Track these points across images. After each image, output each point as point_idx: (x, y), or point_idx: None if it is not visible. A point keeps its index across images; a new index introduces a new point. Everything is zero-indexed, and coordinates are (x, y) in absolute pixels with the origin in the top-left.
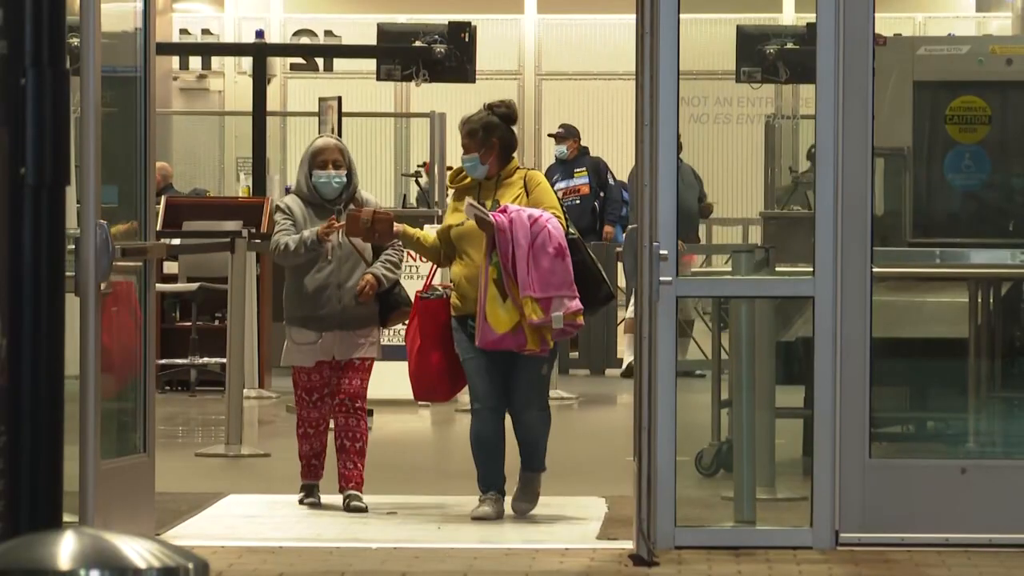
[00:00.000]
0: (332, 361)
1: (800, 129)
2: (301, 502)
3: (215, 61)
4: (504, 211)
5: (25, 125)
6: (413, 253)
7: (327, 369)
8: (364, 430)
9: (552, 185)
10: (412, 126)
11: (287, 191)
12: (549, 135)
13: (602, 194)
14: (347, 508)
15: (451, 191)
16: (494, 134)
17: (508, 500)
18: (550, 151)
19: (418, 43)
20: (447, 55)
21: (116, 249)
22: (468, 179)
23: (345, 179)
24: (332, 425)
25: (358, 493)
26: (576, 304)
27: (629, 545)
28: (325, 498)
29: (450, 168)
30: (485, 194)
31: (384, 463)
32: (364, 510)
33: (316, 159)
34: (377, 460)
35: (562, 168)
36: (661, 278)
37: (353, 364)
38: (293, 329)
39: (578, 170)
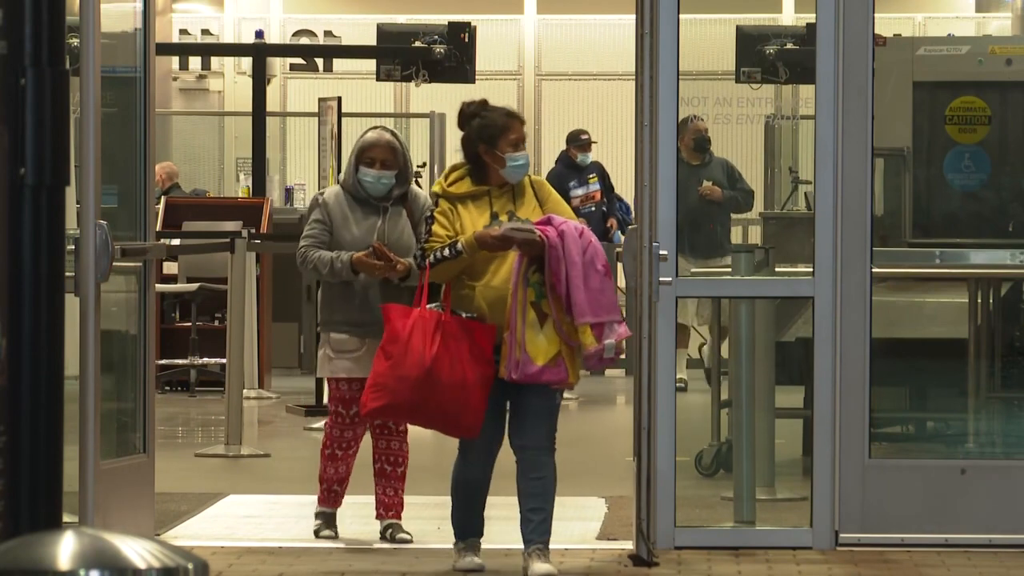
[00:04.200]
0: None
1: (800, 129)
2: (317, 534)
3: (215, 61)
4: (548, 221)
5: (25, 125)
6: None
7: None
8: (406, 453)
9: (567, 192)
10: (412, 126)
11: (287, 192)
12: (583, 139)
13: (605, 199)
14: (390, 539)
15: (445, 197)
16: None
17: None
18: (550, 152)
19: (418, 43)
20: (447, 55)
21: (116, 249)
22: (465, 184)
23: (394, 179)
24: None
25: (400, 523)
26: (625, 329)
27: (629, 545)
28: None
29: (457, 168)
30: (499, 204)
31: None
32: (410, 541)
33: (364, 155)
34: None
35: (578, 175)
36: (661, 278)
37: None
38: (332, 336)
39: (590, 176)
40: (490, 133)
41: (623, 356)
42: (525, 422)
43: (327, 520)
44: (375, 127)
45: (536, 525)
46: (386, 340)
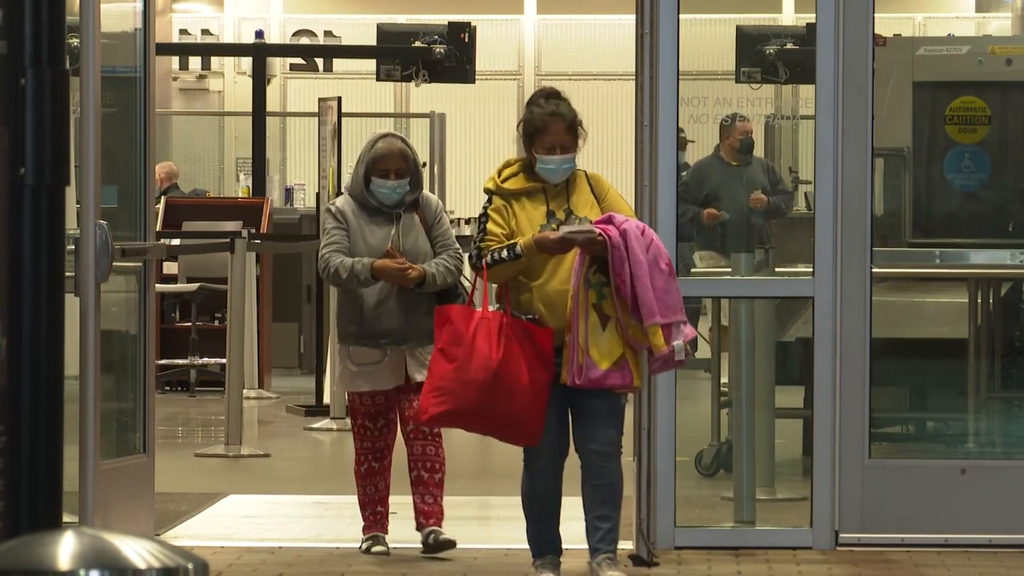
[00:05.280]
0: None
1: (800, 129)
2: (368, 552)
3: (215, 61)
4: (609, 220)
5: (25, 125)
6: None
7: (392, 390)
8: (443, 458)
9: None
10: (412, 126)
11: (287, 192)
12: (681, 136)
13: None
14: (433, 545)
15: (499, 194)
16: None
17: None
18: None
19: (418, 43)
20: (447, 55)
21: (116, 249)
22: (519, 180)
23: (408, 187)
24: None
25: (441, 529)
26: (691, 330)
27: (629, 545)
28: (334, 498)
29: (510, 164)
30: (555, 202)
31: None
32: (453, 545)
33: (377, 166)
34: None
35: None
36: None
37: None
38: (351, 349)
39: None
40: (527, 131)
41: (690, 355)
42: (590, 425)
43: (377, 539)
44: (383, 136)
45: (604, 534)
46: (448, 342)
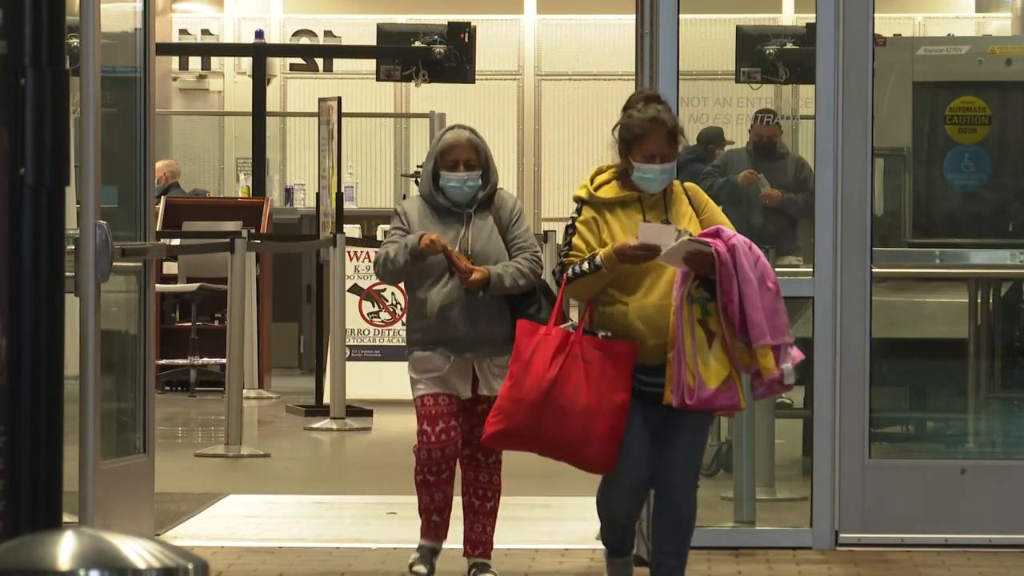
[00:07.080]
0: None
1: (800, 129)
2: (411, 568)
3: (215, 61)
4: (717, 234)
5: (25, 125)
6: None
7: (458, 398)
8: (497, 487)
9: None
10: (412, 126)
11: (287, 192)
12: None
13: None
14: None
15: (591, 203)
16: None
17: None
18: (550, 152)
19: (418, 43)
20: (447, 55)
21: (116, 249)
22: (613, 188)
23: (480, 180)
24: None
25: (488, 563)
26: (799, 352)
27: None
28: (334, 498)
29: (603, 170)
30: (652, 212)
31: (384, 463)
32: None
33: (445, 158)
34: (377, 460)
35: None
36: None
37: (485, 405)
38: (415, 354)
39: None
40: (624, 136)
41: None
42: (673, 455)
43: (424, 555)
44: (452, 127)
45: (669, 570)
46: (512, 359)
